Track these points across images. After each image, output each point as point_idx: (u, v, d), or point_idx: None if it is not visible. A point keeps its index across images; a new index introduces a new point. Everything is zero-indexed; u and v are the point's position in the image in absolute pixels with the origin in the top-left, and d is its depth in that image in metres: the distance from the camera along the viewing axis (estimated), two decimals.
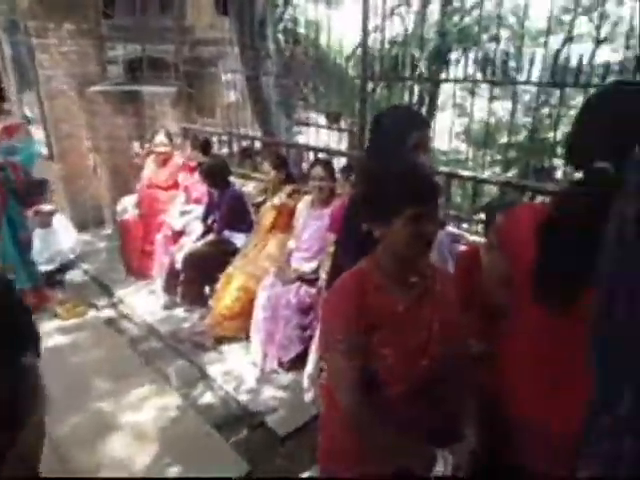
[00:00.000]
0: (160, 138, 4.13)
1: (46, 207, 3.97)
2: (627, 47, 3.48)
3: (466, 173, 3.16)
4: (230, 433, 2.51)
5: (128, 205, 4.26)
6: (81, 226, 5.02)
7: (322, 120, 9.45)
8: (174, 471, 2.27)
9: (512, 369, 1.32)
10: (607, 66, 2.59)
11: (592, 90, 2.53)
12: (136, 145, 4.51)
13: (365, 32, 3.31)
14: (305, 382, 2.33)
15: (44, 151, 4.97)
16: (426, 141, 1.64)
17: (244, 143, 4.92)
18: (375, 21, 4.94)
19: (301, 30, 10.93)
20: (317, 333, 2.11)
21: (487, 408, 1.35)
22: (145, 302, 3.82)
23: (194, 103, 5.22)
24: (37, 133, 4.87)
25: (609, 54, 8.58)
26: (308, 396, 2.28)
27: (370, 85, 4.04)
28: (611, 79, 2.56)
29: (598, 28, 6.76)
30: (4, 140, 3.10)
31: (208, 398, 2.81)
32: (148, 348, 3.29)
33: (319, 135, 7.24)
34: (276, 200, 3.17)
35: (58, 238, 4.12)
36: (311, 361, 2.18)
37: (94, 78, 4.87)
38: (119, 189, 4.75)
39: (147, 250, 4.07)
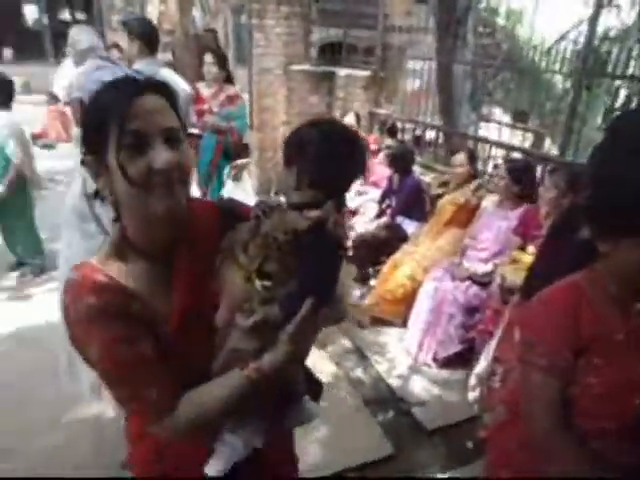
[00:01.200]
0: (349, 119, 4.31)
1: (242, 160, 3.94)
2: None
3: None
4: (377, 413, 2.56)
5: None
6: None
7: (505, 118, 8.83)
8: (321, 432, 2.35)
9: None
10: None
11: None
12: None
13: (594, 22, 2.95)
14: (472, 380, 2.25)
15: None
16: None
17: (418, 131, 4.87)
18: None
19: (499, 20, 10.28)
20: (497, 335, 2.01)
21: None
22: None
23: (384, 88, 5.31)
24: None
25: None
26: (472, 395, 2.20)
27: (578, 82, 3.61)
28: None
29: None
30: (226, 107, 3.54)
31: (359, 373, 2.90)
32: None
33: (500, 133, 6.80)
34: (461, 197, 3.08)
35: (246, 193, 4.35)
36: (483, 361, 2.09)
37: (298, 58, 5.26)
38: None
39: None
